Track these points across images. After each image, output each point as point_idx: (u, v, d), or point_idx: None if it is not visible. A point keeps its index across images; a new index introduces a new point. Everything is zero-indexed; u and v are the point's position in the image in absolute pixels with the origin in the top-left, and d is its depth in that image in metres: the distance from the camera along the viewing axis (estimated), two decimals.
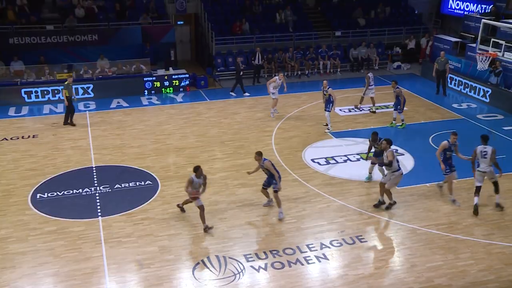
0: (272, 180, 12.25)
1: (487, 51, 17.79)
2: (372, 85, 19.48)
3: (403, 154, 15.79)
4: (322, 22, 27.72)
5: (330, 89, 17.38)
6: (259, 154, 12.14)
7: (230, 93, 22.16)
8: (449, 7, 28.67)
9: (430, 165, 14.71)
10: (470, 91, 21.70)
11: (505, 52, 17.20)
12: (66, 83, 18.47)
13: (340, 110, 19.81)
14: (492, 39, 17.88)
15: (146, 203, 13.01)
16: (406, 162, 15.30)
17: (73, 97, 18.47)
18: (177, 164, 15.32)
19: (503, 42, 17.24)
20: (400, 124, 18.08)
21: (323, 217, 12.41)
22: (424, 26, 28.48)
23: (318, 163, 15.37)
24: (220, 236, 11.58)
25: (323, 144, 16.73)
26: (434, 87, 21.89)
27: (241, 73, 22.22)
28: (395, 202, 12.74)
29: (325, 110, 17.60)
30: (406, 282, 10.07)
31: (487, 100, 20.77)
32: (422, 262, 10.65)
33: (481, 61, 18.08)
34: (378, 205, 12.74)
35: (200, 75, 23.51)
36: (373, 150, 13.87)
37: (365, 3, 28.33)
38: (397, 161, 12.45)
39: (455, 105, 20.57)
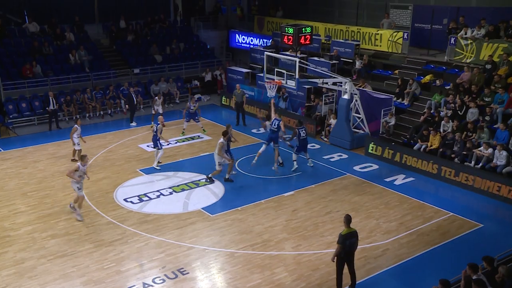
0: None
1: (273, 79, 19.71)
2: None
3: (214, 182, 16.47)
4: (119, 61, 27.58)
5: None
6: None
7: (130, 124, 22.94)
8: (236, 41, 31.21)
9: (240, 189, 15.67)
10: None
11: (288, 80, 19.29)
12: None
13: (148, 146, 19.86)
14: (276, 69, 19.94)
15: None
16: (217, 189, 16.01)
17: None
18: None
19: (284, 71, 19.36)
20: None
21: (143, 256, 12.29)
22: (217, 59, 30.28)
23: (131, 202, 15.16)
24: None
25: (134, 182, 16.57)
26: (235, 116, 23.28)
27: (135, 102, 23.22)
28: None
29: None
30: None
31: None
32: (242, 283, 11.23)
33: (269, 89, 19.88)
34: None
35: None
36: None
37: (159, 40, 29.05)
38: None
39: (254, 130, 22.17)
